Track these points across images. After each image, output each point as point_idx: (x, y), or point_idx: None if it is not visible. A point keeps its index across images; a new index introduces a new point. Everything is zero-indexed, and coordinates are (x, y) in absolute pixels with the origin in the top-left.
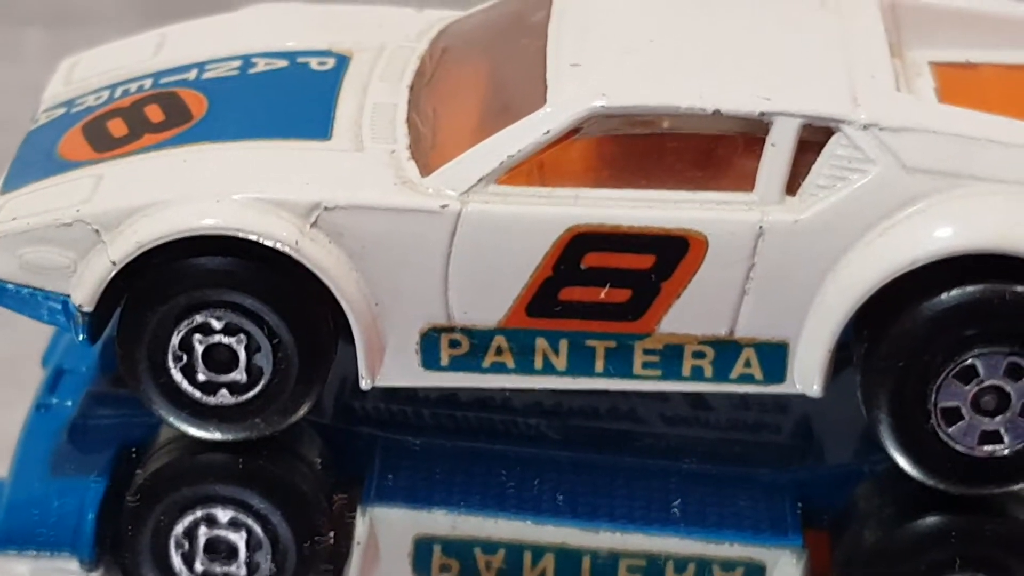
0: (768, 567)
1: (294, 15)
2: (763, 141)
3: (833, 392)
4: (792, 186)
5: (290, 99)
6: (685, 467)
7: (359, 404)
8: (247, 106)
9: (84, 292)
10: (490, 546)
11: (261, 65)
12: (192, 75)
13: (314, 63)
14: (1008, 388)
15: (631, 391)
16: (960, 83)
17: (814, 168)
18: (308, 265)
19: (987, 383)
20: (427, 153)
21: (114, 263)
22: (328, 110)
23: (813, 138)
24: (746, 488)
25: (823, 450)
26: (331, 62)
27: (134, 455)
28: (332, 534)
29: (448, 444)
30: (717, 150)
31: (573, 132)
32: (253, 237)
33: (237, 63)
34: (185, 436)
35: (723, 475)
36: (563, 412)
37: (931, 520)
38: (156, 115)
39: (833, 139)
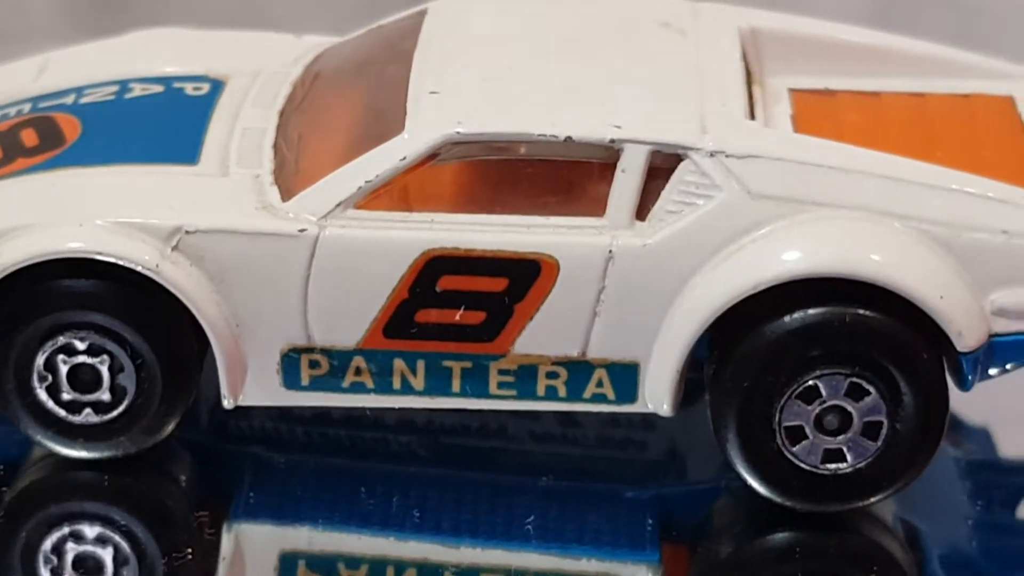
0: None
1: (175, 41)
2: (614, 167)
3: (700, 410)
4: (642, 211)
5: (162, 124)
6: (547, 484)
7: (232, 421)
8: (120, 131)
9: None
10: (353, 561)
11: (137, 90)
12: (70, 100)
13: (189, 88)
14: (850, 408)
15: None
16: (817, 110)
17: (663, 194)
18: (169, 287)
19: (829, 403)
20: (290, 178)
21: None
22: (198, 135)
23: (663, 165)
24: (608, 504)
25: (685, 467)
26: (206, 87)
27: (2, 472)
28: (197, 550)
29: (317, 461)
30: (570, 176)
31: (430, 158)
32: (114, 260)
33: (114, 88)
34: (53, 454)
35: (586, 491)
36: (434, 429)
37: (779, 536)
38: (31, 139)
39: (681, 166)
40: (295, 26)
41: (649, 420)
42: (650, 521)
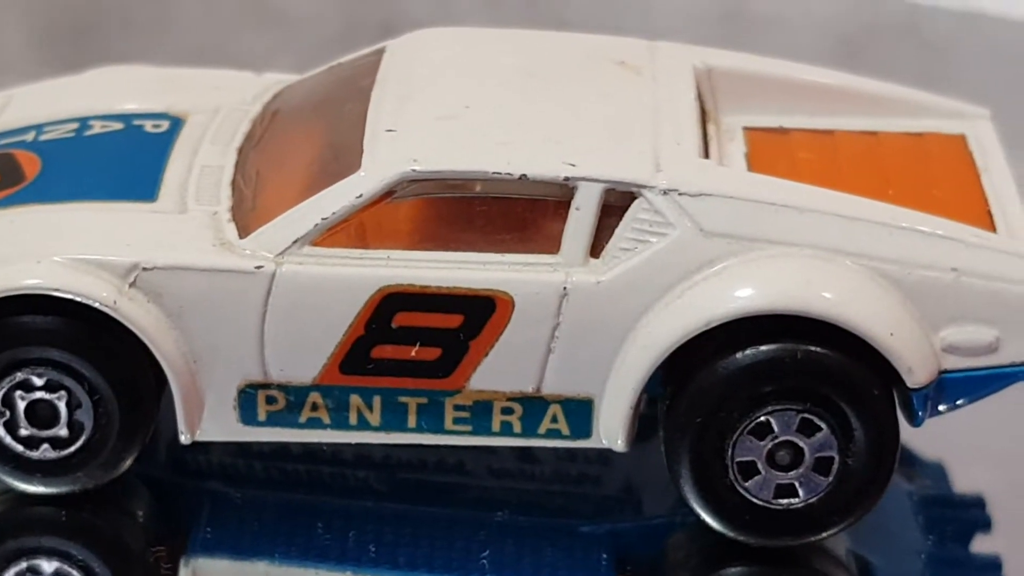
0: None
1: (135, 78)
2: (568, 205)
3: (655, 446)
4: (596, 248)
5: (121, 161)
6: (504, 519)
7: (190, 456)
8: (79, 168)
9: None
10: None
11: (97, 127)
12: (30, 136)
13: (148, 125)
14: (801, 444)
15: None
16: (770, 148)
17: (617, 231)
18: (127, 324)
19: (781, 439)
20: (248, 215)
21: None
22: (157, 172)
23: (617, 202)
24: (563, 539)
25: (640, 503)
26: (165, 124)
27: None
28: None
29: (275, 496)
30: (525, 214)
31: (386, 196)
32: (72, 296)
33: (74, 125)
34: (10, 489)
35: (542, 526)
36: (391, 464)
37: (733, 571)
38: None
39: (635, 203)
40: (257, 63)
41: (604, 455)
42: (605, 555)
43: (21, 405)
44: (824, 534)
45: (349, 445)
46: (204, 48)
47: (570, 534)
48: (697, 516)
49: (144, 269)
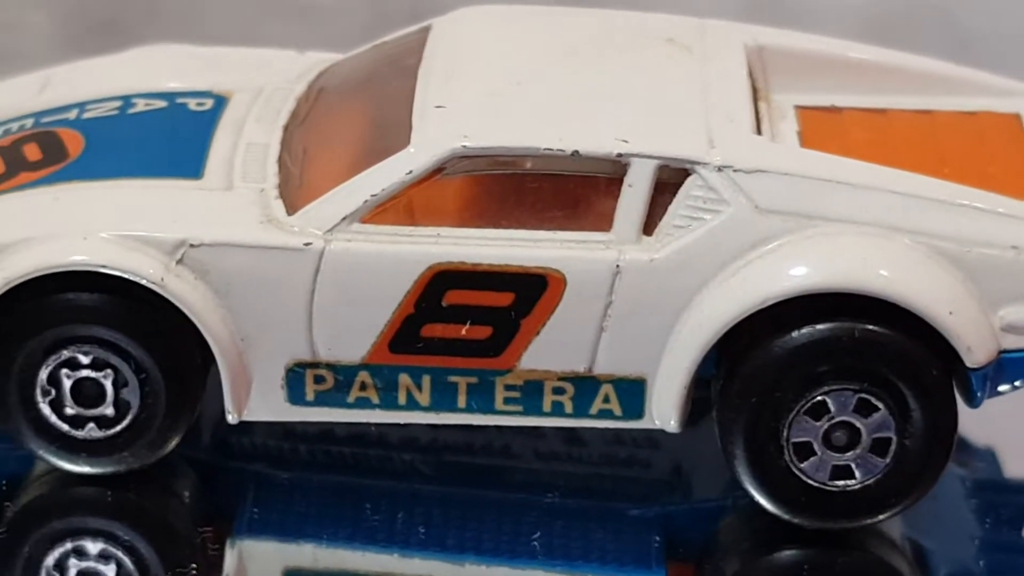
0: None
1: (178, 57)
2: (621, 182)
3: (705, 428)
4: (649, 226)
5: (166, 139)
6: (552, 501)
7: (235, 439)
8: (123, 145)
9: None
10: None
11: (140, 105)
12: (73, 115)
13: (192, 104)
14: (858, 424)
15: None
16: (823, 126)
17: (670, 208)
18: (174, 301)
19: (838, 419)
20: (295, 192)
21: None
22: (202, 150)
23: (670, 179)
24: (613, 522)
25: (691, 486)
26: (209, 103)
27: (4, 488)
28: (200, 567)
29: (322, 478)
30: (576, 191)
31: (436, 172)
32: (118, 273)
33: (117, 103)
34: (56, 470)
35: (591, 509)
36: (438, 447)
37: (787, 554)
38: (34, 154)
39: (689, 180)
40: (296, 44)
41: (653, 438)
42: (656, 538)
43: (67, 383)
44: (880, 517)
45: (395, 428)
46: (231, 38)
47: (620, 517)
48: (750, 498)
49: (191, 246)
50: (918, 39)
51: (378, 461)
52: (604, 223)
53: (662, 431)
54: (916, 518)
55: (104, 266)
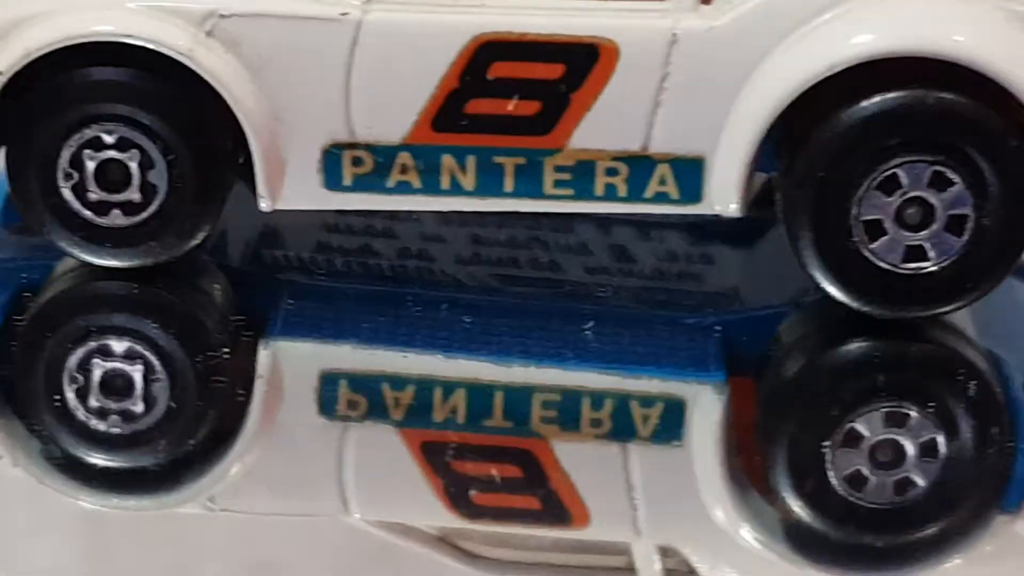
0: (688, 402)
1: None
2: None
3: (758, 249)
4: None
5: None
6: (604, 308)
7: (268, 252)
8: None
9: None
10: (399, 381)
11: None
12: None
13: None
14: (933, 200)
15: (549, 230)
16: None
17: None
18: (203, 75)
19: (911, 194)
20: None
21: (1, 72)
22: None
23: None
24: (668, 329)
25: (746, 298)
26: None
27: (25, 280)
28: (233, 367)
29: (359, 288)
30: None
31: None
32: (145, 44)
33: None
34: (80, 265)
35: (644, 317)
36: (481, 261)
37: (853, 347)
38: None
39: None
40: None
41: (706, 255)
42: (714, 343)
43: (91, 166)
44: (956, 304)
45: (436, 240)
46: None
47: (673, 325)
48: (814, 301)
49: (222, 16)
50: None
51: (418, 272)
52: None
53: (718, 237)
54: (989, 323)
55: (130, 36)
